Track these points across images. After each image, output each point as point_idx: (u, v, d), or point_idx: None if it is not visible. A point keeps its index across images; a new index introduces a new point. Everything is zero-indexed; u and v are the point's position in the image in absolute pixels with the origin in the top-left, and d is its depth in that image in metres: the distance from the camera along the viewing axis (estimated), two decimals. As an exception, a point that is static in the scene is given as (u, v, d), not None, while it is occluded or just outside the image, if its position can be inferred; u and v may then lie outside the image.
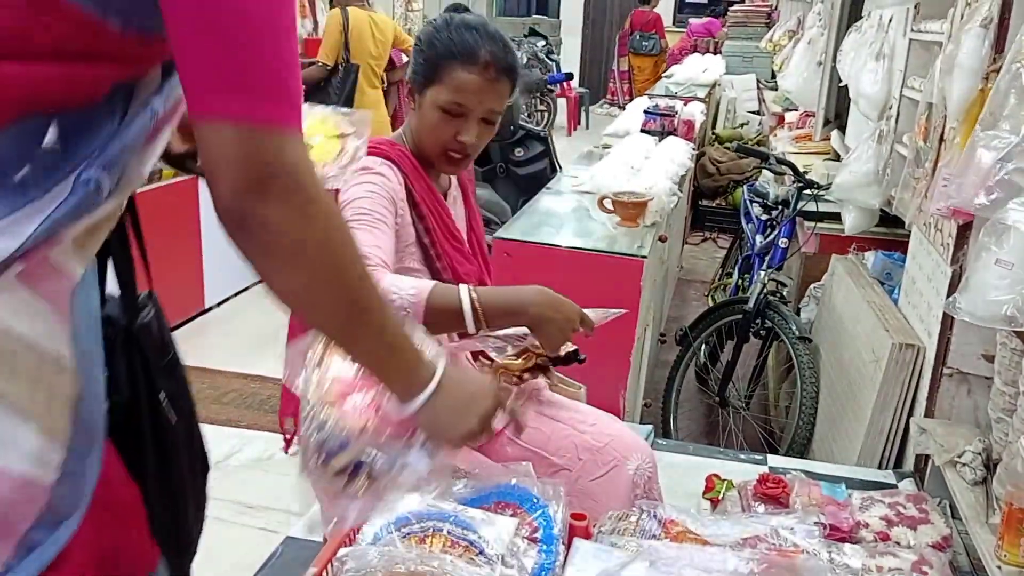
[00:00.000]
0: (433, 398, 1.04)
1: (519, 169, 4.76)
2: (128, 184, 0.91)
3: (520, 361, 1.76)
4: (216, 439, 2.99)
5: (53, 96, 0.82)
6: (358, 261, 0.93)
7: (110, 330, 1.00)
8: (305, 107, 1.02)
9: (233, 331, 4.20)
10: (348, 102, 4.66)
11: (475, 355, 1.85)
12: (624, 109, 5.43)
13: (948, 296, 2.08)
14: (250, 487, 2.76)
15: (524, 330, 1.60)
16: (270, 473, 2.86)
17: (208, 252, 4.27)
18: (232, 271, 3.97)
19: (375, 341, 0.98)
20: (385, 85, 5.05)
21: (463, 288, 1.43)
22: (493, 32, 1.63)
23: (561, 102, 10.27)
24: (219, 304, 4.47)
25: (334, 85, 4.69)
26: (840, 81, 3.72)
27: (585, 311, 1.60)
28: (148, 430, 1.05)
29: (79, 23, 0.80)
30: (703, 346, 3.49)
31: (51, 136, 0.82)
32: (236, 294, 4.53)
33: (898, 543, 1.74)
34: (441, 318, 1.41)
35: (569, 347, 1.80)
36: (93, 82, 0.84)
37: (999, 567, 1.69)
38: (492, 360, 1.80)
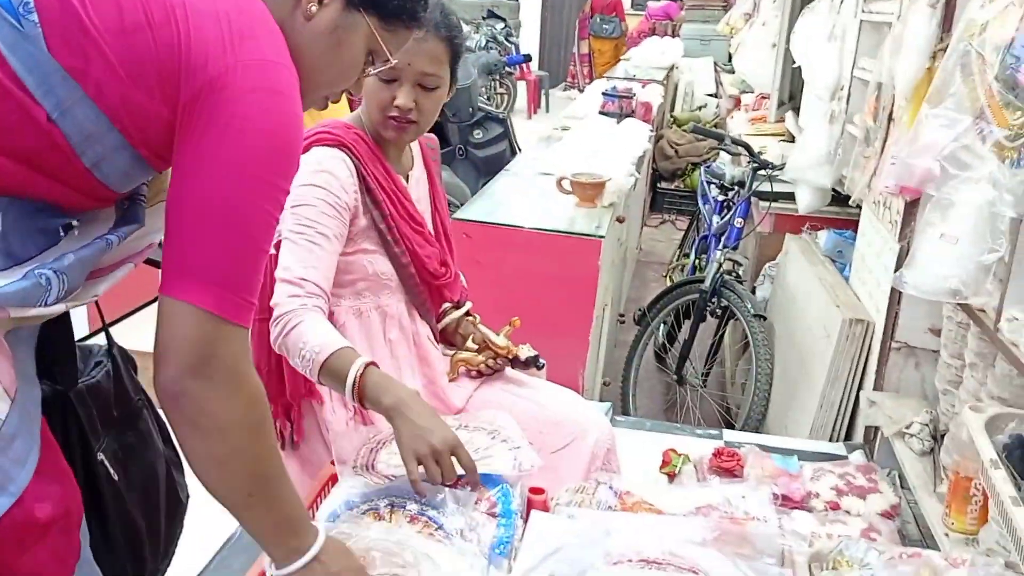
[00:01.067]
0: (310, 567, 1.10)
1: (478, 151, 4.75)
2: (75, 297, 0.99)
3: (480, 356, 1.78)
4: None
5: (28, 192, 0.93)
6: (272, 445, 1.05)
7: (49, 394, 1.09)
8: None
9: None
10: None
11: (441, 340, 1.85)
12: (582, 91, 5.44)
13: (896, 271, 2.13)
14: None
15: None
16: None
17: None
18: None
19: (268, 511, 1.06)
20: None
21: (357, 363, 1.43)
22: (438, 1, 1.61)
23: (521, 86, 10.25)
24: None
25: None
26: (794, 63, 3.77)
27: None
28: (83, 488, 1.10)
29: (67, 156, 0.92)
30: (661, 326, 3.53)
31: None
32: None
33: (848, 512, 1.78)
34: (329, 380, 1.47)
35: (530, 352, 1.82)
36: (61, 196, 0.95)
37: (947, 534, 1.74)
38: (454, 351, 1.82)
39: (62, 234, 0.95)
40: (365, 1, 1.12)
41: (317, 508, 1.46)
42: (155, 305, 0.97)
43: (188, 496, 1.37)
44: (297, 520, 1.10)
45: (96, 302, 1.13)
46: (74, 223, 0.97)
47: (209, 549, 1.69)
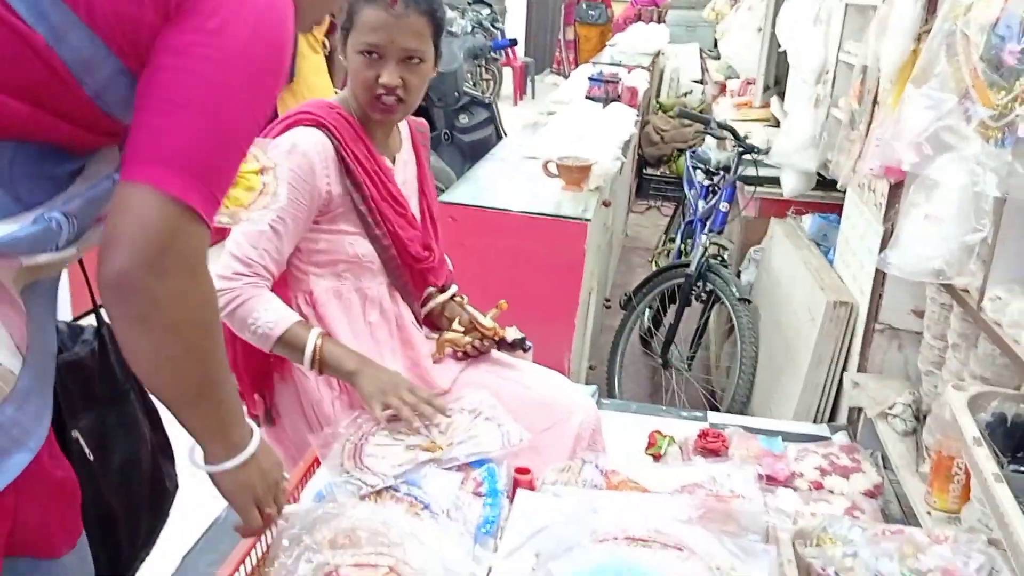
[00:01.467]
0: (246, 463, 1.09)
1: (464, 136, 4.74)
2: (86, 240, 0.94)
3: (467, 338, 1.78)
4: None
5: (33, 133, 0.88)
6: (220, 343, 1.00)
7: None
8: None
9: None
10: (291, 69, 4.54)
11: (426, 323, 1.85)
12: (567, 77, 5.42)
13: (880, 253, 2.14)
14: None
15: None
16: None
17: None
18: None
19: (214, 409, 1.03)
20: (328, 50, 4.93)
21: (313, 333, 1.56)
22: None
23: (507, 72, 10.21)
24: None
25: None
26: (779, 47, 3.77)
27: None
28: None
29: (68, 87, 0.87)
30: (647, 310, 3.54)
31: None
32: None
33: (831, 491, 1.80)
34: (284, 350, 1.57)
35: (517, 334, 1.82)
36: (67, 135, 0.90)
37: (929, 513, 1.76)
38: (440, 333, 1.81)
39: (70, 182, 0.92)
40: None
41: (303, 488, 1.46)
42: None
43: (177, 486, 1.33)
44: (239, 415, 1.08)
45: (88, 283, 1.11)
46: (83, 167, 0.93)
47: (192, 535, 1.68)
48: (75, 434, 1.12)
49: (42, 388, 0.96)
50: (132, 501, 1.23)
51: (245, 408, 1.72)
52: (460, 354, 1.81)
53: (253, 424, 1.12)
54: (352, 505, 1.31)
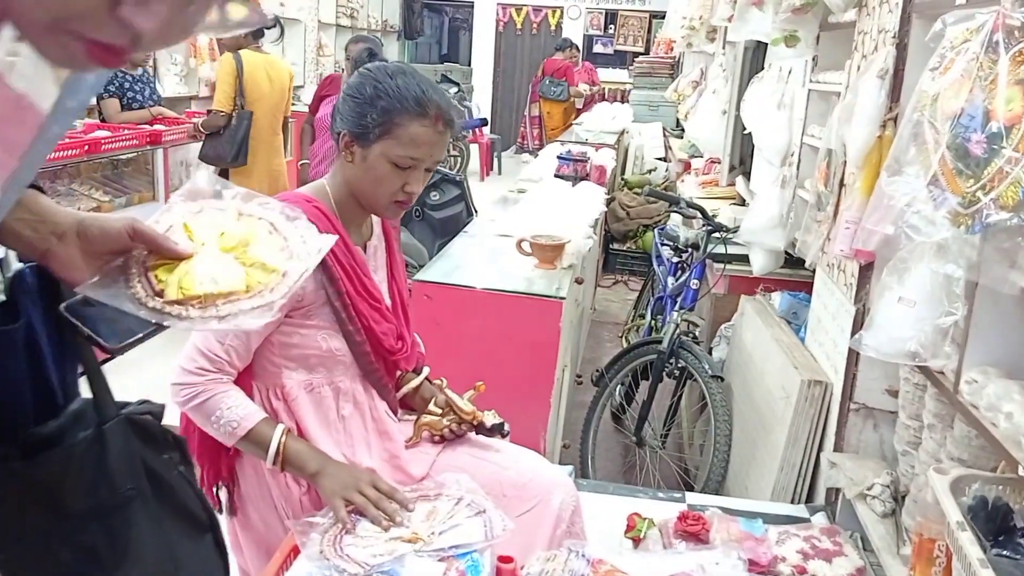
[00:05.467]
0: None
1: (435, 213, 4.76)
2: None
3: (445, 420, 1.76)
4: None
5: None
6: None
7: None
8: (254, 202, 1.03)
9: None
10: (242, 149, 4.54)
11: (402, 405, 1.83)
12: (534, 154, 5.51)
13: (853, 333, 2.17)
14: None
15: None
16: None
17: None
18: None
19: None
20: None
21: (278, 431, 1.57)
22: (433, 82, 1.65)
23: (474, 148, 10.37)
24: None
25: (227, 133, 4.51)
26: (744, 129, 3.88)
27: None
28: None
29: None
30: (619, 386, 3.53)
31: None
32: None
33: (815, 575, 1.78)
34: (249, 447, 1.58)
35: (496, 419, 1.81)
36: None
37: (910, 596, 1.74)
38: (416, 416, 1.79)
39: None
40: None
41: (279, 580, 1.41)
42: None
43: None
44: None
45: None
46: None
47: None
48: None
49: None
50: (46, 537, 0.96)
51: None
52: (437, 437, 1.78)
53: None
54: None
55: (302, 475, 1.58)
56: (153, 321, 0.94)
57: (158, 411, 1.08)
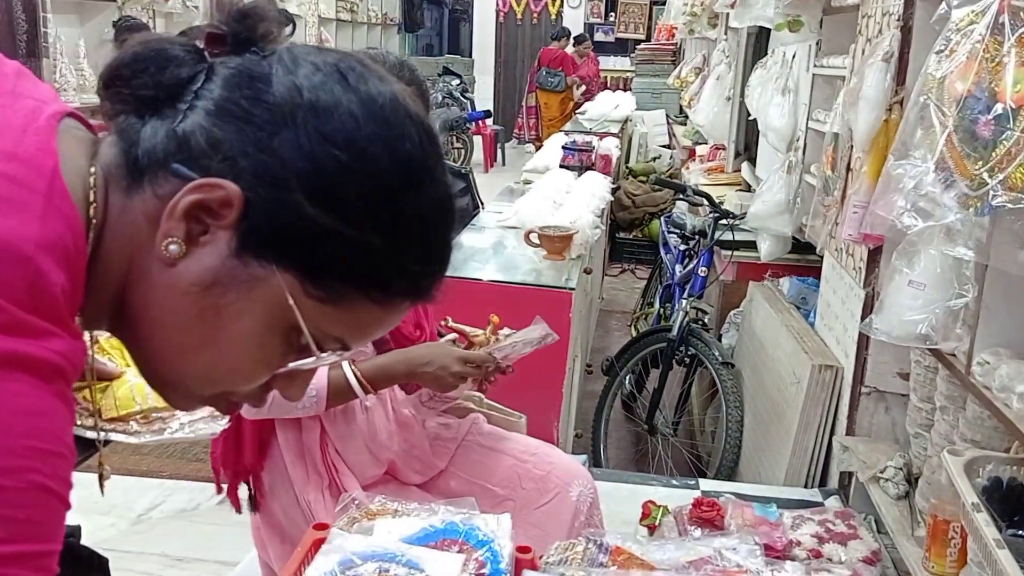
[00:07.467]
0: None
1: (441, 206, 4.76)
2: None
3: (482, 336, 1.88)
4: (137, 491, 2.87)
5: None
6: None
7: None
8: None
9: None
10: None
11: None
12: (532, 144, 5.49)
13: (863, 318, 2.17)
14: (175, 539, 2.65)
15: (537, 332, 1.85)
16: (196, 523, 2.76)
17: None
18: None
19: None
20: None
21: (345, 368, 1.58)
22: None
23: (477, 140, 10.37)
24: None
25: None
26: (749, 115, 3.87)
27: (509, 338, 1.81)
28: None
29: None
30: (629, 375, 3.54)
31: None
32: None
33: (830, 559, 1.79)
34: (340, 399, 1.60)
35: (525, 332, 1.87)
36: None
37: (926, 577, 1.75)
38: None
39: None
40: (282, 242, 0.62)
41: (301, 575, 1.42)
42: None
43: None
44: None
45: None
46: None
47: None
48: None
49: None
50: None
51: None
52: (485, 386, 1.81)
53: None
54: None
55: (395, 383, 1.66)
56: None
57: (76, 531, 1.05)
